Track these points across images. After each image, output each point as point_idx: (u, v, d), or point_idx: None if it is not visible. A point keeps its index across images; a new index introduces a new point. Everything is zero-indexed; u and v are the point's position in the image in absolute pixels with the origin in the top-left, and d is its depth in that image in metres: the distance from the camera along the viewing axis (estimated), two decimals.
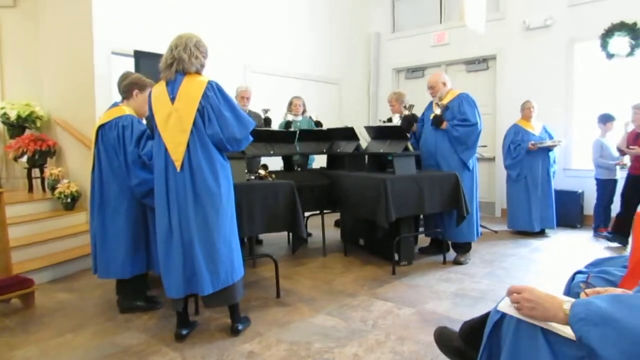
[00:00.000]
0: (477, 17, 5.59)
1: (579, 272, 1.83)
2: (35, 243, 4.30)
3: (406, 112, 4.53)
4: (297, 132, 5.09)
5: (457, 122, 4.40)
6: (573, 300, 1.30)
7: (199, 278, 2.69)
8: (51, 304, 3.57)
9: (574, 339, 1.25)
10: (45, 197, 5.14)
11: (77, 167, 5.30)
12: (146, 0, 5.46)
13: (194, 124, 2.67)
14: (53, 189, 5.00)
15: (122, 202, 3.25)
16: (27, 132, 5.49)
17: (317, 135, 5.33)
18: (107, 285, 3.83)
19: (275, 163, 5.47)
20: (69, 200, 4.91)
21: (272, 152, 4.77)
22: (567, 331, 1.32)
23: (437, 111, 4.49)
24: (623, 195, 5.25)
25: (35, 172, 5.47)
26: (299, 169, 5.38)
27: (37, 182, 5.52)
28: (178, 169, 2.68)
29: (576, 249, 5.17)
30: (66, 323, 3.16)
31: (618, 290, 1.48)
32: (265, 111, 5.34)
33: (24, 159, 5.22)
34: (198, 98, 2.67)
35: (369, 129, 4.98)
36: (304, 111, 5.95)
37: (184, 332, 2.87)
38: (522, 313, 1.40)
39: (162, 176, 2.73)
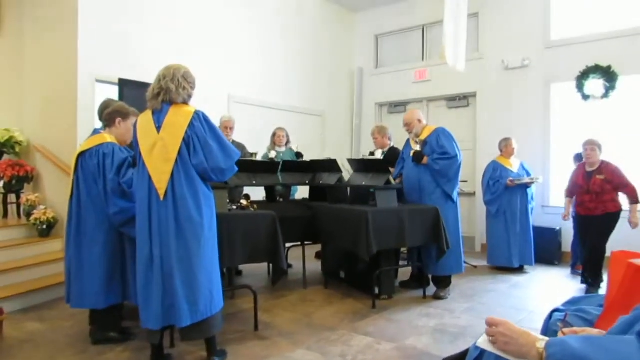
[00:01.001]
0: (457, 56, 5.76)
1: (557, 310, 1.84)
2: (7, 270, 4.18)
3: (417, 148, 4.58)
4: (280, 163, 5.10)
5: (437, 155, 4.47)
6: (547, 339, 1.30)
7: (177, 309, 2.64)
8: (21, 334, 3.44)
9: None
10: (20, 223, 5.03)
11: (54, 193, 5.22)
12: (131, 30, 5.49)
13: (179, 153, 2.67)
14: (29, 215, 4.90)
15: (100, 232, 3.19)
16: (5, 157, 5.41)
17: (300, 167, 5.35)
18: (80, 316, 3.71)
19: (257, 193, 5.45)
20: (44, 227, 4.81)
21: (254, 182, 4.77)
22: None
23: (417, 147, 4.57)
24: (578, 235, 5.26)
25: (11, 197, 5.36)
26: (282, 199, 5.37)
27: (12, 208, 5.41)
28: (161, 198, 2.66)
29: (554, 285, 5.22)
30: (35, 355, 3.05)
31: (594, 331, 1.49)
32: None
33: (0, 184, 5.13)
34: (184, 127, 2.68)
35: (352, 161, 5.02)
36: (288, 142, 5.99)
37: None
38: (497, 347, 1.39)
39: (144, 205, 2.71)
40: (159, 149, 2.69)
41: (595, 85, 6.26)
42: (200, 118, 2.73)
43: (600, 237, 4.72)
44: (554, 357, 1.21)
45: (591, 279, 4.81)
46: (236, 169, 2.87)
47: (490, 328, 1.42)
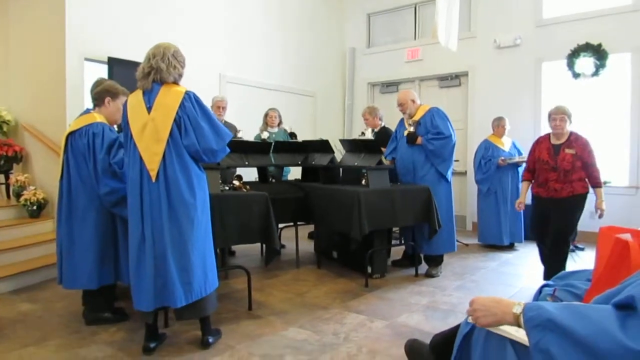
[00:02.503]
0: (449, 36, 5.72)
1: (546, 285, 1.87)
2: None
3: (411, 129, 4.56)
4: (273, 143, 5.08)
5: (431, 135, 4.47)
6: (523, 303, 1.34)
7: (171, 290, 2.63)
8: (13, 314, 3.44)
9: (526, 343, 1.29)
10: (9, 204, 5.00)
11: (44, 174, 5.17)
12: (121, 8, 5.39)
13: (170, 134, 2.64)
14: (18, 196, 4.86)
15: (91, 212, 3.17)
16: None
17: (292, 147, 5.34)
18: (72, 296, 3.71)
19: (250, 174, 5.44)
20: (34, 207, 4.77)
21: (247, 163, 4.75)
22: (518, 335, 1.37)
23: (411, 129, 4.55)
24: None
25: (0, 178, 5.30)
26: (274, 180, 5.36)
27: (1, 189, 5.35)
28: (153, 179, 2.64)
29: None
30: (28, 335, 3.05)
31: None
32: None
33: None
34: (175, 108, 2.64)
35: (344, 142, 5.01)
36: (280, 123, 5.96)
37: (152, 345, 2.80)
38: (479, 323, 1.43)
39: (136, 186, 2.68)
40: (150, 130, 2.66)
41: (585, 63, 6.28)
42: (191, 98, 2.69)
43: (567, 224, 3.95)
44: (531, 321, 1.26)
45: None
46: (228, 150, 2.85)
47: (469, 309, 1.45)
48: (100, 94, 3.30)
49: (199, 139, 2.66)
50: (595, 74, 6.25)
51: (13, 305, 3.66)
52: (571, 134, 3.99)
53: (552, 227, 3.96)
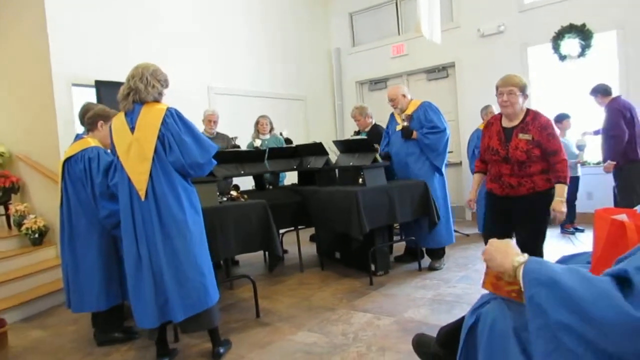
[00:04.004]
0: (432, 28, 5.76)
1: None
2: (4, 282, 4.19)
3: (405, 124, 4.59)
4: (267, 150, 5.12)
5: (426, 130, 4.50)
6: (527, 257, 1.38)
7: (171, 305, 2.67)
8: (25, 343, 3.47)
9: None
10: (11, 234, 5.02)
11: (42, 201, 5.20)
12: (104, 29, 5.41)
13: (155, 151, 2.67)
14: (20, 225, 4.89)
15: (93, 235, 3.21)
16: None
17: (287, 153, 5.37)
18: (82, 320, 3.75)
19: (246, 183, 5.47)
20: (36, 235, 4.80)
21: (242, 172, 4.79)
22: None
23: (404, 123, 4.58)
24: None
25: (0, 209, 5.33)
26: (271, 187, 5.40)
27: (2, 220, 5.38)
28: (142, 198, 2.67)
29: (544, 246, 5.31)
30: None
31: None
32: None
33: None
34: (157, 126, 2.67)
35: (338, 143, 5.05)
36: (271, 129, 5.99)
37: None
38: (487, 265, 1.50)
39: (127, 206, 2.72)
40: (135, 150, 2.69)
41: (571, 44, 6.30)
42: (172, 115, 2.71)
43: (531, 234, 3.09)
44: (531, 273, 1.30)
45: None
46: (214, 162, 2.87)
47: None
48: (93, 119, 3.34)
49: (184, 154, 2.69)
50: (582, 54, 6.27)
51: (25, 333, 3.69)
52: (528, 113, 3.07)
53: (516, 238, 3.14)
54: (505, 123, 3.13)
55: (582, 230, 5.80)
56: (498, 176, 3.14)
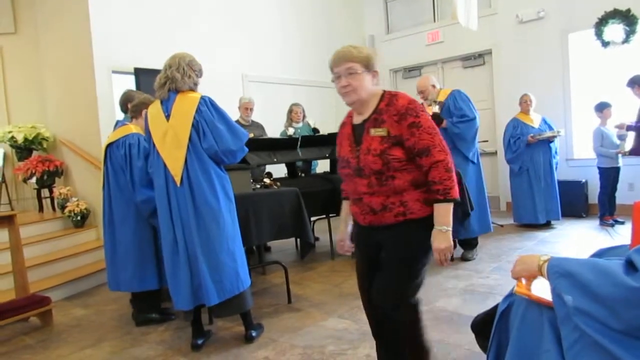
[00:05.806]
0: (469, 15, 5.63)
1: None
2: (49, 262, 4.39)
3: (436, 109, 4.54)
4: (299, 138, 5.15)
5: (456, 119, 4.45)
6: (550, 256, 1.46)
7: (205, 289, 2.75)
8: (69, 320, 3.64)
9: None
10: (55, 216, 5.24)
11: (84, 185, 5.39)
12: (144, 18, 5.54)
13: (190, 139, 2.74)
14: (63, 208, 5.09)
15: (128, 218, 3.34)
16: (35, 153, 5.59)
17: (319, 141, 5.39)
18: (122, 300, 3.91)
19: (279, 170, 5.53)
20: (79, 218, 5.00)
21: (275, 159, 4.84)
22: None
23: (436, 109, 4.53)
24: None
25: (45, 192, 5.57)
26: (303, 174, 5.44)
27: (46, 202, 5.62)
28: (178, 184, 2.75)
29: (582, 238, 5.20)
30: (85, 338, 3.24)
31: None
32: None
33: (33, 180, 5.33)
34: (192, 113, 2.74)
35: None
36: (304, 117, 6.02)
37: (200, 342, 2.93)
38: (513, 273, 1.57)
39: (163, 192, 2.80)
40: (171, 137, 2.76)
41: (615, 30, 6.09)
42: (206, 102, 2.78)
43: (399, 278, 2.01)
44: (553, 267, 1.39)
45: None
46: (246, 149, 2.92)
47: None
48: (138, 107, 3.44)
49: (217, 141, 2.75)
50: (626, 40, 6.06)
51: (68, 311, 3.87)
52: (383, 97, 2.06)
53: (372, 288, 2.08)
54: (356, 119, 2.13)
55: (622, 223, 5.62)
56: (357, 197, 2.05)
